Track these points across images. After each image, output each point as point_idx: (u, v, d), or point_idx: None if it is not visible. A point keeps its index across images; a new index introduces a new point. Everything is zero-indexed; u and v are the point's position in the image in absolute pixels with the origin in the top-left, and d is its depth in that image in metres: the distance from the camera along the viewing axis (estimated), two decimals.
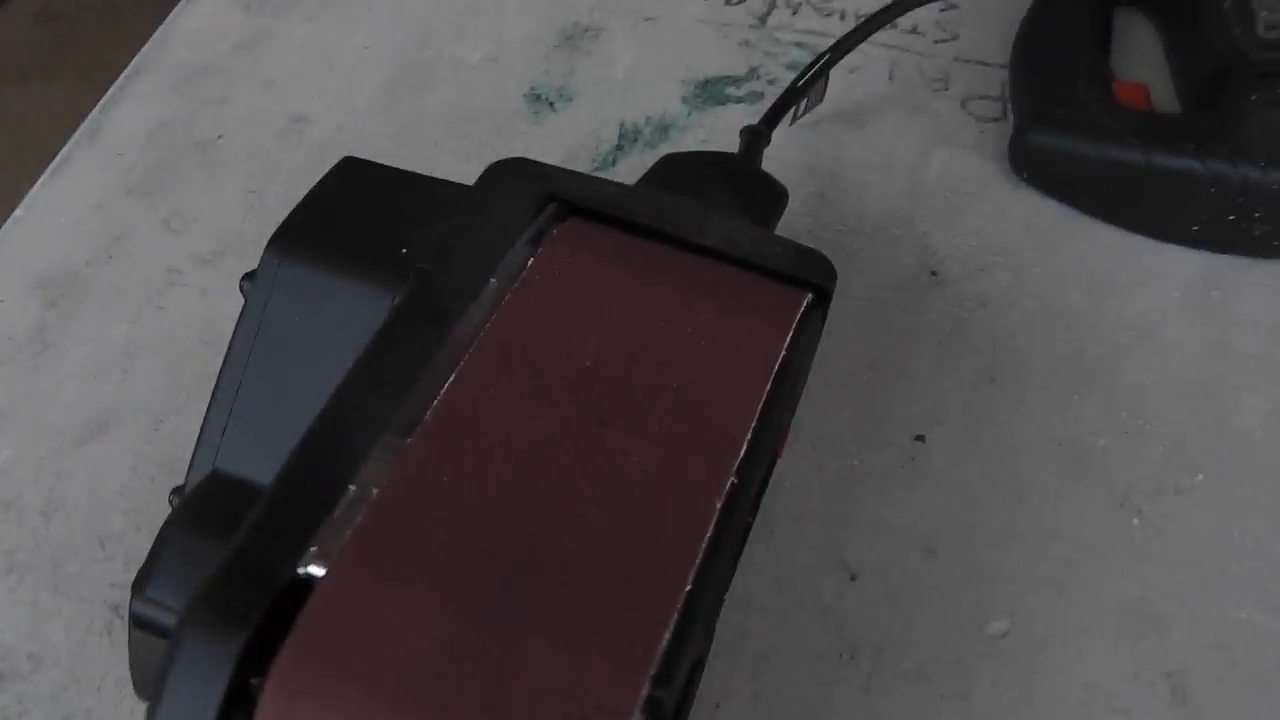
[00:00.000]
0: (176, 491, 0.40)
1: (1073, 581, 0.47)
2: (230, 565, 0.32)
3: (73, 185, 0.56)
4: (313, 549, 0.32)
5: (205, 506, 0.38)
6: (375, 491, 0.33)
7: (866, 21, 0.58)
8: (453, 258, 0.38)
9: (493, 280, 0.38)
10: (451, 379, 0.35)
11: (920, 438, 0.51)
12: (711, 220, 0.41)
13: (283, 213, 0.56)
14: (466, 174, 0.58)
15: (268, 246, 0.39)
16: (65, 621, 0.44)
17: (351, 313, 0.38)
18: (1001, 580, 0.47)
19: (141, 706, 0.42)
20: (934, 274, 0.56)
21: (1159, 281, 0.57)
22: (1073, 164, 0.57)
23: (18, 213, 0.55)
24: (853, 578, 0.47)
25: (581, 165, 0.58)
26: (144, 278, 0.53)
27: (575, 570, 0.31)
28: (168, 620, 0.36)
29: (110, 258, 0.54)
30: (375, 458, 0.34)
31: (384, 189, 0.41)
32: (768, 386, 0.37)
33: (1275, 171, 0.54)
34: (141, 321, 0.52)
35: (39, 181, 0.56)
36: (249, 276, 0.39)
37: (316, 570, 0.31)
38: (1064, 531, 0.49)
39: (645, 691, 0.30)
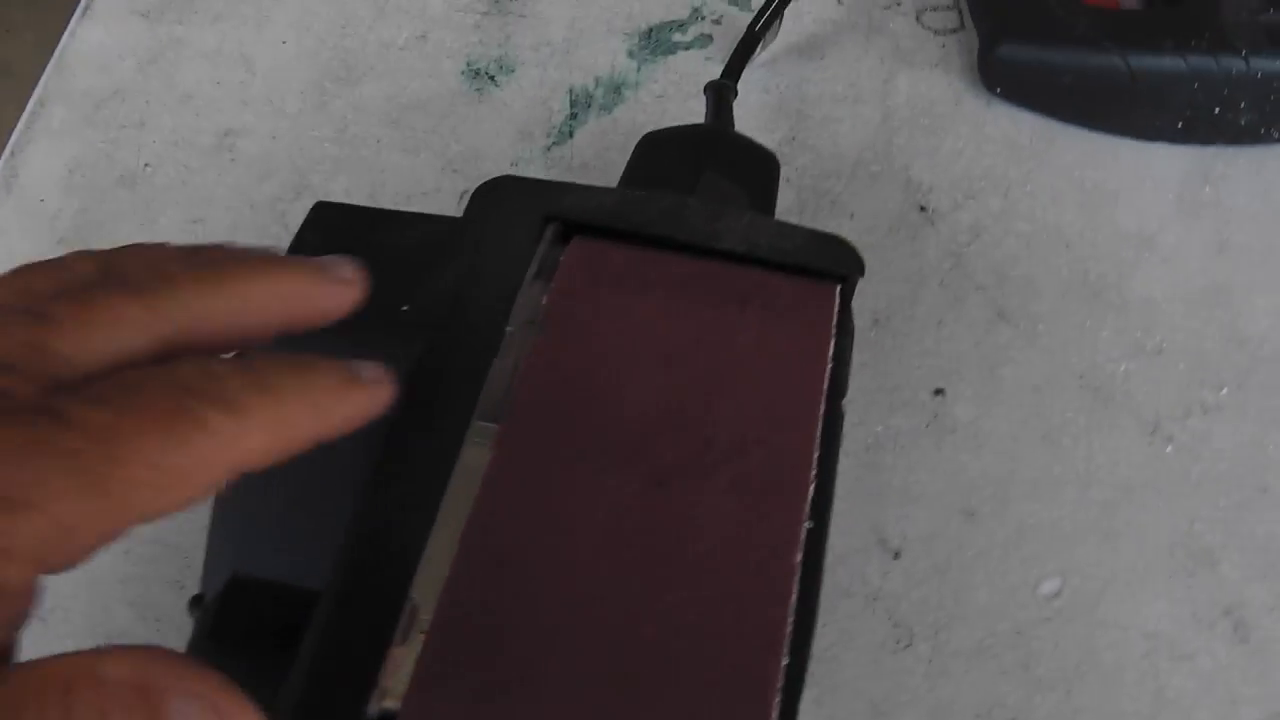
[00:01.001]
0: (195, 602, 0.36)
1: (1117, 525, 0.46)
2: (298, 716, 0.29)
3: None
4: (381, 685, 0.29)
5: (233, 619, 0.35)
6: (434, 602, 0.30)
7: None
8: (461, 309, 0.35)
9: (510, 329, 0.35)
10: (490, 458, 0.32)
11: (940, 391, 0.49)
12: (724, 219, 0.38)
13: (231, 239, 0.53)
14: (416, 168, 0.55)
15: None
16: None
17: None
18: (1045, 534, 0.46)
19: None
20: (923, 209, 0.54)
21: (1151, 184, 0.55)
22: (1047, 74, 0.54)
23: None
24: (896, 556, 0.45)
25: (537, 141, 0.55)
26: None
27: (668, 663, 0.29)
28: None
29: None
30: (427, 560, 0.31)
31: (365, 235, 0.37)
32: (822, 405, 0.34)
33: (1258, 60, 0.52)
34: None
35: None
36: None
37: (391, 705, 0.28)
38: (1100, 473, 0.47)
39: None
